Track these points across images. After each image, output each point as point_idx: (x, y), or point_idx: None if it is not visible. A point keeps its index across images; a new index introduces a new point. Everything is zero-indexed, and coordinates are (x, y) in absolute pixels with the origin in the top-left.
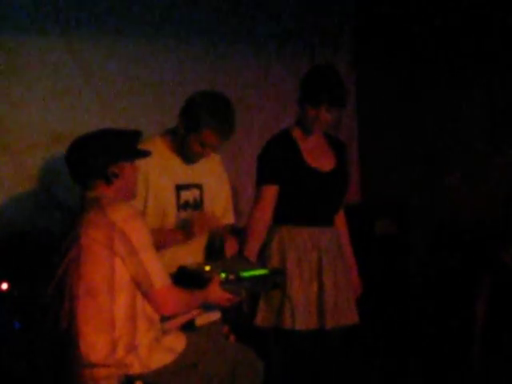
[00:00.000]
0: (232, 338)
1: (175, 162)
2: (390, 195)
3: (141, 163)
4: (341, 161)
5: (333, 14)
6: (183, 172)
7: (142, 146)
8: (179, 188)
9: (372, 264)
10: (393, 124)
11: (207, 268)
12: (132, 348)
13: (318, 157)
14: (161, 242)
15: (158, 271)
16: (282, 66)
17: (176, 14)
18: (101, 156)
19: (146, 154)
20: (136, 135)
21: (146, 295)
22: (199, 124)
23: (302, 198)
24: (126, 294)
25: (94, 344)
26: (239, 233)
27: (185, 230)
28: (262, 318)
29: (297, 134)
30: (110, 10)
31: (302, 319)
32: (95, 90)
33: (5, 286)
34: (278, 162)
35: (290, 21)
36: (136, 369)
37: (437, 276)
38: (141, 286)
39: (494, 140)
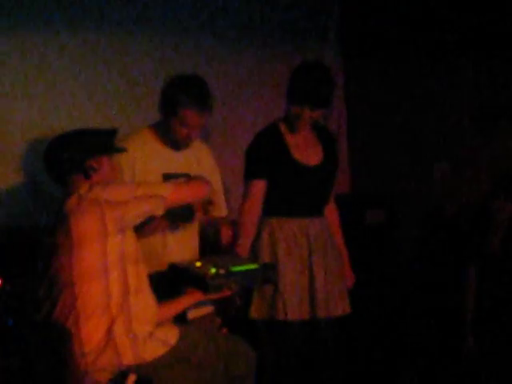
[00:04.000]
0: (224, 330)
1: (163, 151)
2: (379, 185)
3: (127, 152)
4: (329, 154)
5: (321, 5)
6: (171, 161)
7: (129, 138)
8: (167, 177)
9: (363, 254)
10: (382, 115)
11: (198, 264)
12: (129, 326)
13: (305, 151)
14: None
15: (158, 189)
16: (273, 60)
17: (169, 10)
18: (78, 150)
19: (122, 149)
20: (112, 132)
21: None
22: (175, 105)
23: (289, 191)
24: (118, 270)
25: (94, 327)
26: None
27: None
28: (256, 310)
29: (284, 128)
30: (107, 9)
31: (294, 309)
32: (90, 88)
33: None
34: (265, 156)
35: (280, 13)
36: (129, 358)
37: (426, 265)
38: (162, 208)
39: (482, 130)
